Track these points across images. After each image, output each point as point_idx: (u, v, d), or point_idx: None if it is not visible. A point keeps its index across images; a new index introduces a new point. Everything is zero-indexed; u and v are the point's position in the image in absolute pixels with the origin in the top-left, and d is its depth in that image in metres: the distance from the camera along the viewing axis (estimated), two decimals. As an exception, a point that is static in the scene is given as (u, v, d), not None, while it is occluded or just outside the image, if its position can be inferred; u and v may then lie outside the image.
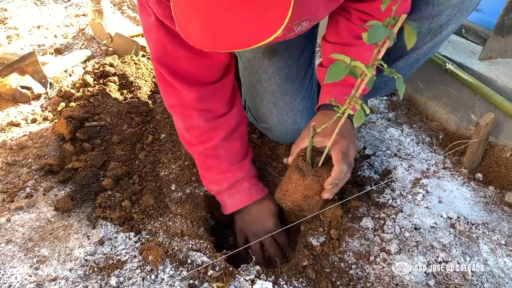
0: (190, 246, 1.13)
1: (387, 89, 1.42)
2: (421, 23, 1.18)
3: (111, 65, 1.83)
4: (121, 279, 1.05)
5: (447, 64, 1.53)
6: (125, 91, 1.72)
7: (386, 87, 1.39)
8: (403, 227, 1.21)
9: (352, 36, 1.14)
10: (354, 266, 1.11)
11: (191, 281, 1.04)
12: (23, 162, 1.40)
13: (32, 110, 1.67)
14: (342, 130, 1.12)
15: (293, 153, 1.13)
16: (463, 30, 1.87)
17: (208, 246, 1.14)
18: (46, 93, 1.75)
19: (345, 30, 1.15)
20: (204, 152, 1.24)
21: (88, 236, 1.17)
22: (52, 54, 2.05)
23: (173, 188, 1.32)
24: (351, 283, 1.07)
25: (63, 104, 1.65)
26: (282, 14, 0.67)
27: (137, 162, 1.42)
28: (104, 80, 1.74)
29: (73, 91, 1.69)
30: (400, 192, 1.33)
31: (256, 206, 1.26)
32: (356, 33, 1.13)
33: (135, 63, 1.89)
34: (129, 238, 1.16)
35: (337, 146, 1.08)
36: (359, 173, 1.43)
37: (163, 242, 1.14)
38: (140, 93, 1.73)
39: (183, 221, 1.22)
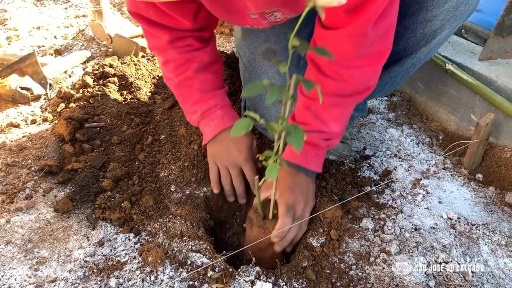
0: (189, 247, 1.13)
1: (384, 92, 1.42)
2: (416, 28, 1.18)
3: (110, 66, 1.83)
4: (121, 280, 1.04)
5: (447, 64, 1.53)
6: (124, 92, 1.72)
7: (382, 90, 1.39)
8: (403, 228, 1.20)
9: (322, 91, 1.07)
10: (354, 267, 1.10)
11: (190, 282, 1.04)
12: (23, 163, 1.40)
13: (31, 111, 1.66)
14: (291, 183, 1.16)
15: (256, 207, 1.15)
16: (463, 30, 1.87)
17: (208, 247, 1.14)
18: (46, 94, 1.75)
19: (316, 82, 1.12)
20: (179, 83, 1.28)
21: (87, 237, 1.17)
22: (51, 55, 2.05)
23: (172, 189, 1.32)
24: (351, 284, 1.06)
25: (62, 105, 1.65)
26: None
27: (136, 163, 1.42)
28: (104, 81, 1.74)
29: (72, 92, 1.69)
30: (400, 193, 1.33)
31: (229, 133, 1.24)
32: (327, 88, 1.09)
33: (135, 64, 1.89)
34: (129, 239, 1.16)
35: (282, 199, 1.11)
36: (359, 173, 1.42)
37: (163, 243, 1.14)
38: (140, 94, 1.73)
39: (182, 222, 1.21)
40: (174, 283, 1.03)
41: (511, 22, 1.44)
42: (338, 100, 1.11)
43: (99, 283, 1.04)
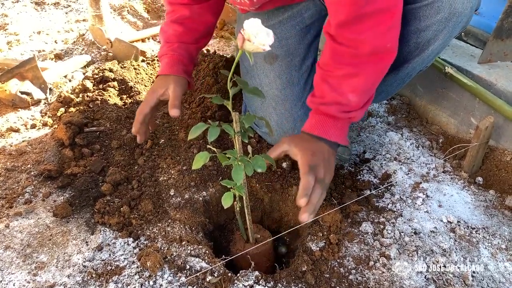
0: (188, 251, 1.12)
1: (379, 99, 1.42)
2: (409, 37, 1.18)
3: (110, 70, 1.83)
4: (119, 285, 1.04)
5: (446, 67, 1.52)
6: (124, 96, 1.73)
7: (377, 97, 1.39)
8: (402, 232, 1.20)
9: (335, 60, 1.12)
10: (354, 271, 1.10)
11: (189, 287, 1.03)
12: (22, 167, 1.40)
13: (31, 116, 1.67)
14: (312, 147, 1.11)
15: (269, 156, 1.11)
16: (462, 33, 1.87)
17: (207, 251, 1.13)
18: (46, 98, 1.75)
19: (329, 53, 1.13)
20: (160, 29, 1.41)
21: (86, 242, 1.16)
22: (52, 59, 2.06)
23: (172, 194, 1.32)
24: (351, 289, 1.06)
25: (62, 109, 1.65)
26: None
27: (136, 168, 1.42)
28: (104, 86, 1.75)
29: (72, 96, 1.70)
30: (400, 196, 1.33)
31: (160, 80, 1.30)
32: (341, 57, 1.10)
33: (134, 68, 1.89)
34: (128, 244, 1.16)
35: (304, 159, 1.07)
36: (359, 177, 1.42)
37: (162, 248, 1.14)
38: (139, 98, 1.73)
39: (181, 226, 1.21)
40: (172, 288, 1.03)
41: (510, 25, 1.44)
42: (354, 69, 1.09)
43: (97, 288, 1.04)
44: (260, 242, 1.15)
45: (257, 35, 0.79)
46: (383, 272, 1.09)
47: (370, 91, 1.15)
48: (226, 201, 0.97)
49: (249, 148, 1.01)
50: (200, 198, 1.31)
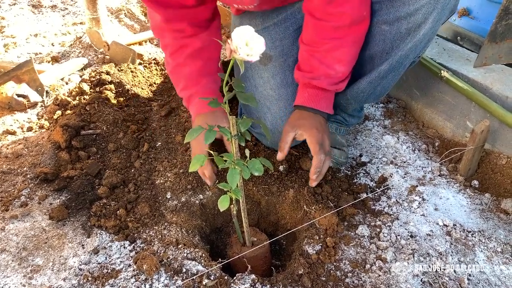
0: (185, 254, 1.12)
1: (377, 94, 1.41)
2: (400, 24, 1.19)
3: (107, 73, 1.83)
4: (116, 288, 1.04)
5: (442, 71, 1.53)
6: (121, 99, 1.72)
7: (375, 92, 1.38)
8: (399, 235, 1.20)
9: (320, 36, 1.23)
10: (350, 274, 1.10)
11: (186, 290, 1.03)
12: (18, 170, 1.39)
13: (28, 118, 1.66)
14: (314, 123, 1.27)
15: (283, 149, 1.25)
16: (458, 37, 1.89)
17: (203, 254, 1.13)
18: (43, 101, 1.75)
19: (312, 30, 1.24)
20: (173, 69, 1.36)
21: (82, 245, 1.16)
22: (49, 62, 2.05)
23: (168, 196, 1.32)
24: (347, 292, 1.06)
25: (59, 112, 1.65)
26: None
27: (132, 170, 1.41)
28: (101, 88, 1.75)
29: (69, 99, 1.69)
30: (396, 200, 1.33)
31: (201, 119, 1.29)
32: (324, 32, 1.21)
33: (131, 71, 1.89)
34: (124, 247, 1.16)
35: (313, 138, 1.22)
36: (355, 180, 1.42)
37: (158, 251, 1.14)
38: (136, 101, 1.73)
39: (178, 229, 1.21)
40: (169, 291, 1.03)
41: (503, 28, 1.45)
42: (338, 41, 1.21)
43: (93, 291, 1.04)
44: (256, 245, 1.15)
45: (243, 46, 0.76)
46: (379, 275, 1.09)
47: (353, 60, 1.27)
48: (223, 204, 0.98)
49: (247, 151, 1.02)
50: (197, 201, 1.31)
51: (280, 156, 1.27)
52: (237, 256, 1.12)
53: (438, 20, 1.20)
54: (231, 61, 0.85)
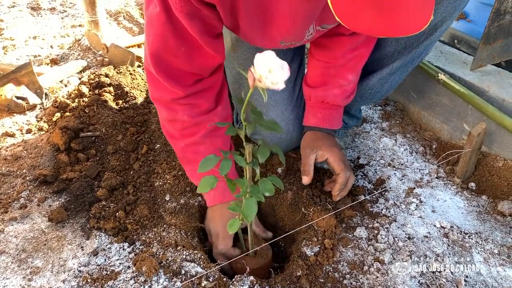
0: (184, 256, 1.13)
1: (385, 90, 1.43)
2: None
3: (106, 75, 1.84)
4: (115, 290, 1.04)
5: (439, 74, 1.54)
6: (120, 102, 1.73)
7: (383, 88, 1.40)
8: (396, 237, 1.21)
9: (339, 53, 1.27)
10: (348, 276, 1.11)
11: (184, 292, 1.04)
12: (18, 172, 1.40)
13: (27, 121, 1.67)
14: (333, 143, 1.32)
15: (309, 173, 1.29)
16: (455, 40, 1.90)
17: (202, 256, 1.14)
18: (42, 103, 1.75)
19: (334, 46, 1.27)
20: (185, 147, 1.22)
21: (82, 247, 1.16)
22: (48, 64, 2.06)
23: (167, 198, 1.32)
24: (345, 293, 1.07)
25: (58, 114, 1.65)
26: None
27: (131, 173, 1.42)
28: (100, 91, 1.75)
29: (68, 101, 1.70)
30: (394, 202, 1.34)
31: (223, 207, 1.19)
32: (343, 51, 1.26)
33: (130, 74, 1.90)
34: (123, 249, 1.16)
35: (336, 157, 1.28)
36: (353, 182, 1.43)
37: (157, 253, 1.14)
38: (135, 103, 1.74)
39: (177, 231, 1.22)
40: (168, 293, 1.03)
41: (495, 29, 1.46)
42: (354, 60, 1.29)
43: (93, 293, 1.04)
44: (259, 256, 1.17)
45: (269, 73, 0.70)
46: (377, 276, 1.10)
47: (360, 70, 1.33)
48: (232, 228, 0.94)
49: (257, 170, 0.95)
50: (196, 203, 1.32)
51: (306, 180, 1.29)
52: (242, 268, 1.12)
53: (455, 17, 1.23)
54: (250, 91, 0.78)
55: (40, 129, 1.61)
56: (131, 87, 1.82)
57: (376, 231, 1.23)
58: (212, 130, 1.20)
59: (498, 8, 1.40)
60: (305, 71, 1.46)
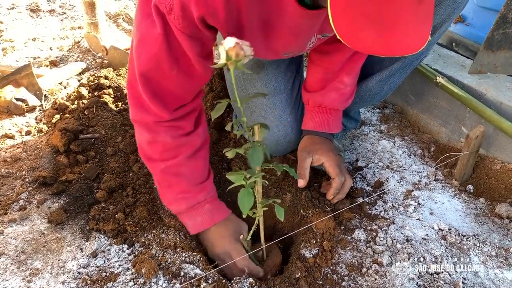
0: (183, 258, 1.13)
1: (384, 92, 1.44)
2: None
3: (106, 77, 1.84)
4: (114, 291, 1.05)
5: (437, 77, 1.55)
6: (119, 104, 1.73)
7: (382, 90, 1.41)
8: (395, 239, 1.22)
9: (338, 58, 1.28)
10: (347, 278, 1.11)
11: (184, 294, 1.04)
12: (17, 174, 1.40)
13: (26, 122, 1.67)
14: (330, 147, 1.32)
15: (304, 176, 1.29)
16: (453, 43, 1.91)
17: (201, 258, 1.14)
18: (41, 105, 1.76)
19: (338, 57, 1.28)
20: (166, 169, 1.17)
21: (81, 249, 1.17)
22: (47, 66, 2.06)
23: (166, 200, 1.32)
24: (344, 295, 1.07)
25: (57, 116, 1.65)
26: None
27: (131, 174, 1.42)
28: (99, 93, 1.75)
29: (67, 103, 1.70)
30: (392, 204, 1.35)
31: (218, 228, 1.18)
32: (342, 57, 1.28)
33: (130, 76, 1.90)
34: (122, 251, 1.16)
35: (331, 161, 1.29)
36: (352, 185, 1.44)
37: (156, 255, 1.15)
38: (134, 105, 1.74)
39: (176, 233, 1.22)
40: (167, 295, 1.04)
41: (501, 36, 1.46)
42: (352, 64, 1.30)
43: (92, 294, 1.04)
44: (271, 257, 1.20)
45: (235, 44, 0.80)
46: (375, 278, 1.11)
47: (358, 73, 1.35)
48: (281, 215, 1.02)
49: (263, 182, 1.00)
50: (195, 205, 1.32)
51: (302, 183, 1.29)
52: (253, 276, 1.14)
53: (454, 18, 1.25)
54: (230, 68, 0.84)
55: (40, 131, 1.61)
56: (131, 89, 1.82)
57: (374, 233, 1.23)
58: (194, 152, 1.18)
59: (505, 14, 1.40)
60: (304, 74, 1.47)
